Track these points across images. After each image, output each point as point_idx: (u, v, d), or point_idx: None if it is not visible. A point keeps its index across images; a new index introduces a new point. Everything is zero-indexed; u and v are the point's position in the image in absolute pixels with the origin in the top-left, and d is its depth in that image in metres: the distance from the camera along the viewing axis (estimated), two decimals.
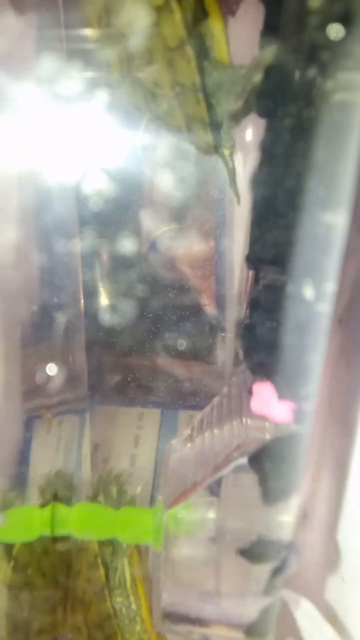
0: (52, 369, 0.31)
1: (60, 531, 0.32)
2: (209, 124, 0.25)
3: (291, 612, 0.27)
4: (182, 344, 0.35)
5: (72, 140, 0.29)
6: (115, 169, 0.31)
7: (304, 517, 0.36)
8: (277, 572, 0.24)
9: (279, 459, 0.22)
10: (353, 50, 0.14)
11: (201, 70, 0.24)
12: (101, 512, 0.32)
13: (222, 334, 0.35)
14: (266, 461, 0.22)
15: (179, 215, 0.33)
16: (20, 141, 0.29)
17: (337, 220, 0.17)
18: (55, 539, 0.32)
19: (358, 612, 0.28)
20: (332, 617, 0.27)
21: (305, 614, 0.27)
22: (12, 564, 0.31)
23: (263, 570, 0.25)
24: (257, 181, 0.20)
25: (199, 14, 0.23)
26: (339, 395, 0.31)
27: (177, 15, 0.22)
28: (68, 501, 0.32)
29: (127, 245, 0.33)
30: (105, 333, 0.35)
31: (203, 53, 0.24)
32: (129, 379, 0.36)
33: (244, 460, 0.26)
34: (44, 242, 0.33)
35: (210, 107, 0.25)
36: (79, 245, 0.33)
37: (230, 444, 0.27)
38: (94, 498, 0.33)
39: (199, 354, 0.35)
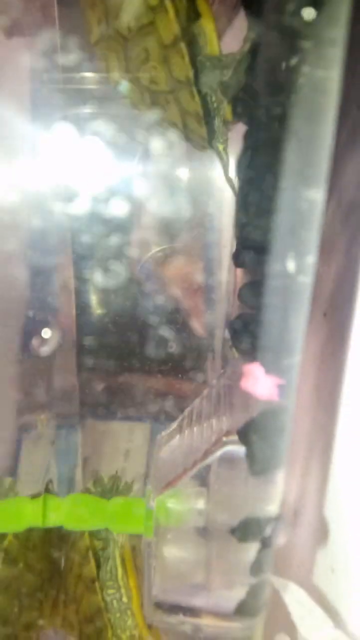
0: (47, 332, 0.32)
1: (51, 523, 0.32)
2: (202, 118, 0.26)
3: (282, 598, 0.28)
4: (172, 362, 0.35)
5: (65, 164, 0.31)
6: (106, 193, 0.32)
7: (294, 515, 0.36)
8: (264, 546, 0.24)
9: (265, 431, 0.22)
10: (325, 29, 0.15)
11: (195, 65, 0.25)
12: (92, 502, 0.32)
13: (211, 352, 0.36)
14: (253, 434, 0.22)
15: (168, 238, 0.35)
16: (16, 165, 0.31)
17: (316, 197, 0.18)
18: (46, 531, 0.32)
19: (349, 599, 0.28)
20: (322, 601, 0.27)
21: (295, 599, 0.27)
22: (2, 556, 0.31)
23: (251, 553, 0.25)
24: (241, 165, 0.21)
25: (192, 14, 0.24)
26: (326, 385, 0.31)
27: (171, 14, 0.23)
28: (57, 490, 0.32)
29: (118, 267, 0.34)
30: (96, 350, 0.36)
31: (196, 49, 0.25)
32: (120, 395, 0.37)
33: (231, 447, 0.27)
34: (37, 262, 0.33)
35: (204, 101, 0.26)
36: (71, 266, 0.34)
37: (219, 431, 0.27)
38: (87, 483, 0.33)
39: (188, 372, 0.36)
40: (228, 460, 0.27)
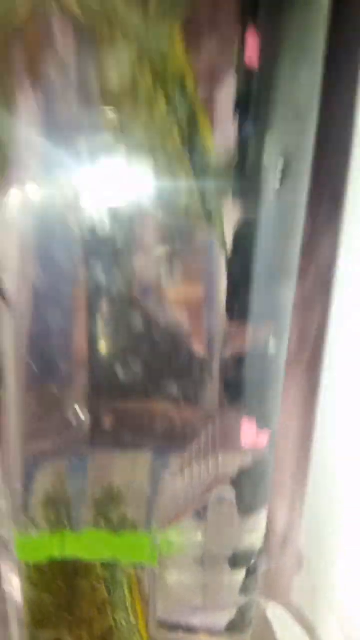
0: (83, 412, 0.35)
1: (68, 554, 0.37)
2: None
3: (267, 616, 0.33)
4: (172, 386, 0.36)
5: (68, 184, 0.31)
6: (108, 216, 0.32)
7: (283, 542, 0.41)
8: (251, 572, 0.30)
9: (254, 479, 0.27)
10: None
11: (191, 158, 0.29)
12: (104, 537, 0.37)
13: (211, 376, 0.35)
14: (244, 482, 0.28)
15: (169, 259, 0.35)
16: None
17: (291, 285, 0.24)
18: (63, 561, 0.37)
19: (325, 618, 0.34)
20: (301, 620, 0.32)
21: (278, 617, 0.32)
22: (27, 583, 0.36)
23: (240, 578, 0.31)
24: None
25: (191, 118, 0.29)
26: (306, 429, 0.37)
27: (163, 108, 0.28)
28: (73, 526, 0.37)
29: (120, 290, 0.34)
30: (98, 377, 0.36)
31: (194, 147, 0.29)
32: (119, 423, 0.38)
33: (225, 489, 0.32)
34: (49, 289, 0.33)
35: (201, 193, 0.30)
36: (81, 292, 0.34)
37: (213, 474, 0.33)
38: (95, 523, 0.37)
39: (189, 397, 0.36)
40: (221, 500, 0.32)
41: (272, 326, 0.28)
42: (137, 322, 0.34)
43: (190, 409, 0.35)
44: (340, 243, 0.34)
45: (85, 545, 0.37)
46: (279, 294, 0.28)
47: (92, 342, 0.35)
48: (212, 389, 0.35)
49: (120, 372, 0.36)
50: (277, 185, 0.23)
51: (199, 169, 0.29)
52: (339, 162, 0.32)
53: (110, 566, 0.37)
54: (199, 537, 0.35)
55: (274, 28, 0.24)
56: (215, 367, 0.35)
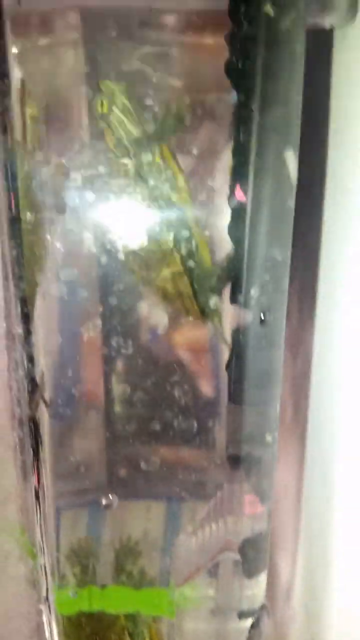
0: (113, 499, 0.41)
1: (95, 607, 0.42)
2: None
3: None
4: (182, 431, 0.37)
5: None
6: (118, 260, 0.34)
7: (287, 594, 0.46)
8: (255, 626, 0.35)
9: (257, 548, 0.33)
10: None
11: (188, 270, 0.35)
12: (126, 592, 0.42)
13: (219, 421, 0.37)
14: (248, 550, 0.33)
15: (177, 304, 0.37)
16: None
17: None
18: (90, 613, 0.42)
19: None
20: None
21: None
22: (62, 633, 0.41)
23: (247, 627, 0.36)
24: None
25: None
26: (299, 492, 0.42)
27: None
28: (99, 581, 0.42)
29: (129, 334, 0.35)
30: (110, 423, 0.38)
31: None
32: (132, 470, 0.39)
33: (231, 553, 0.37)
34: (67, 328, 0.35)
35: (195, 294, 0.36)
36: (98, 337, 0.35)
37: (223, 539, 0.38)
38: (118, 578, 0.42)
39: (198, 441, 0.37)
40: (229, 561, 0.38)
41: (265, 426, 0.34)
42: (149, 368, 0.36)
43: (199, 455, 0.38)
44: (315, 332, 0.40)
45: (109, 600, 0.41)
46: (269, 391, 0.33)
47: (107, 389, 0.37)
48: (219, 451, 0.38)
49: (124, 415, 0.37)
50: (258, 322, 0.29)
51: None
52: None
53: (133, 618, 0.42)
54: (211, 592, 0.40)
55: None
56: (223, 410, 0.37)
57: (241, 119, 0.30)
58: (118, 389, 0.38)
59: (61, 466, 0.38)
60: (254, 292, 0.29)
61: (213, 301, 0.35)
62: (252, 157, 0.30)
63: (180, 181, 0.34)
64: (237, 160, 0.31)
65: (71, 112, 0.34)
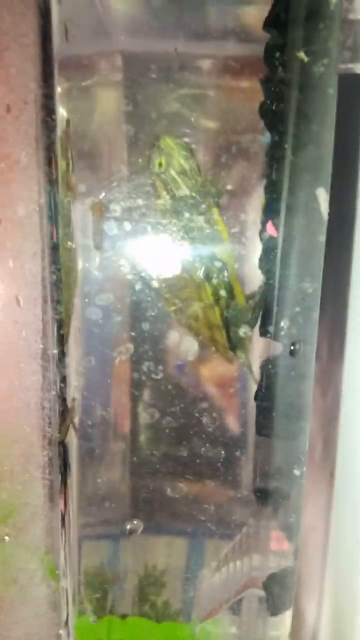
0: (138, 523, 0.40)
1: (114, 638, 0.41)
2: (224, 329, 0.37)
3: None
4: (207, 476, 0.37)
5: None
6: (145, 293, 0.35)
7: (313, 636, 0.45)
8: None
9: (282, 584, 0.32)
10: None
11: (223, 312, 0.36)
12: (147, 625, 0.41)
13: (245, 454, 0.37)
14: (273, 586, 0.33)
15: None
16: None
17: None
18: None
19: None
20: None
21: None
22: None
23: None
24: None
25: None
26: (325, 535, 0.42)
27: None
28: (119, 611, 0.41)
29: (156, 367, 0.36)
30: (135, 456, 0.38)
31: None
32: (156, 505, 0.39)
33: (255, 590, 0.36)
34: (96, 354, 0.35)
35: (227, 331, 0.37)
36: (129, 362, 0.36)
37: (248, 575, 0.37)
38: (142, 607, 0.42)
39: (224, 478, 0.37)
40: (253, 598, 0.37)
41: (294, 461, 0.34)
42: (176, 418, 0.37)
43: (226, 502, 0.38)
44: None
45: (129, 631, 0.41)
46: (298, 423, 0.33)
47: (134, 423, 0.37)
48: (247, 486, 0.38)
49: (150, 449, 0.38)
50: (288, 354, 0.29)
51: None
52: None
53: None
54: (233, 630, 0.39)
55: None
56: (250, 458, 0.37)
57: (274, 158, 0.32)
58: (145, 416, 0.38)
59: (87, 493, 0.39)
60: (284, 323, 0.29)
61: (243, 333, 0.36)
62: (285, 194, 0.31)
63: (224, 233, 0.35)
64: (269, 197, 0.32)
65: (112, 152, 0.36)
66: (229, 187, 0.35)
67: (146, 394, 0.37)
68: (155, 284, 0.35)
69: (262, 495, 0.35)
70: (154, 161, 0.35)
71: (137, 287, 0.35)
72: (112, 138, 0.35)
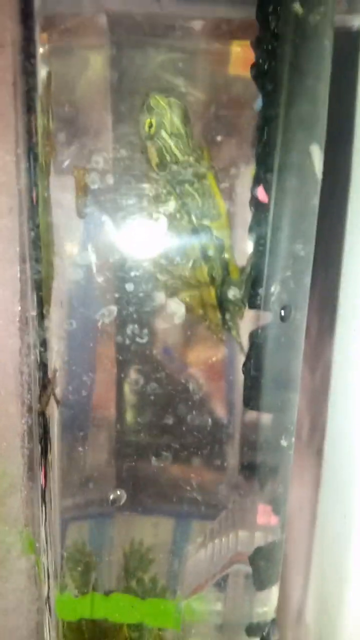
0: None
1: (97, 615, 0.40)
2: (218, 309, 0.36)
3: None
4: (193, 450, 0.37)
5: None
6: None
7: (298, 613, 0.44)
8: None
9: (268, 558, 0.31)
10: None
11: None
12: (132, 601, 0.41)
13: (231, 438, 0.37)
14: (259, 560, 0.32)
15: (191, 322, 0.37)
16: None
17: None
18: (93, 621, 0.40)
19: None
20: None
21: None
22: (62, 638, 0.40)
23: None
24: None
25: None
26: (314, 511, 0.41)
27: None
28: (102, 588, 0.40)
29: (142, 349, 0.35)
30: (119, 439, 0.38)
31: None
32: (143, 486, 0.39)
33: (241, 565, 0.36)
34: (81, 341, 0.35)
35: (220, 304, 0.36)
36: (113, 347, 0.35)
37: (234, 550, 0.37)
38: (127, 584, 0.41)
39: (209, 460, 0.37)
40: (239, 574, 0.36)
41: (281, 431, 0.33)
42: (161, 385, 0.36)
43: (212, 474, 0.38)
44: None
45: (113, 608, 0.40)
46: (286, 394, 0.32)
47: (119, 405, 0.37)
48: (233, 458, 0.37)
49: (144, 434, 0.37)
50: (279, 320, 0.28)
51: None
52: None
53: (137, 627, 0.41)
54: (219, 606, 0.38)
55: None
56: (237, 431, 0.37)
57: (266, 119, 0.30)
58: (130, 384, 0.37)
59: (69, 465, 0.38)
60: (274, 288, 0.28)
61: (235, 309, 0.34)
62: (277, 155, 0.29)
63: (221, 207, 0.34)
64: (260, 161, 0.30)
65: (96, 116, 0.34)
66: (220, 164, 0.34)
67: (131, 359, 0.36)
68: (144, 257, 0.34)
69: (249, 468, 0.34)
70: (143, 122, 0.32)
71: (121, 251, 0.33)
72: (96, 104, 0.34)
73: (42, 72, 0.32)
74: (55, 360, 0.33)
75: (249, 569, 0.35)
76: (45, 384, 0.34)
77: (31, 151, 0.31)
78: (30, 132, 0.31)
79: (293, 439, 0.31)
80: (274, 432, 0.33)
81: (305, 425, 0.43)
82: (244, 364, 0.33)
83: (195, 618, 0.38)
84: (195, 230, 0.33)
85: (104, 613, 0.40)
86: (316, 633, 0.39)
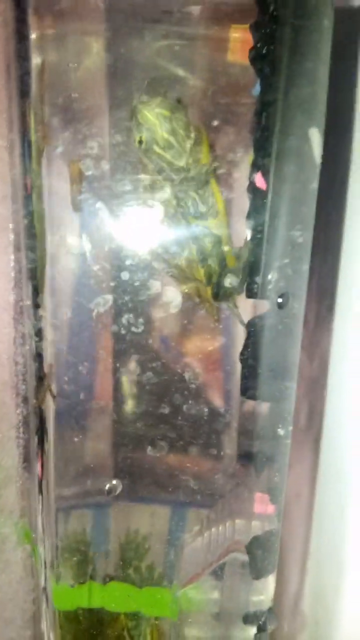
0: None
1: (95, 604, 0.40)
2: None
3: None
4: (189, 439, 0.37)
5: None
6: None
7: (295, 603, 0.44)
8: (261, 629, 0.33)
9: (265, 547, 0.31)
10: None
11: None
12: (129, 590, 0.40)
13: (228, 427, 0.37)
14: (256, 549, 0.32)
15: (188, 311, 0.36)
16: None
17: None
18: (90, 610, 0.40)
19: None
20: None
21: None
22: (58, 628, 0.39)
23: (252, 633, 0.34)
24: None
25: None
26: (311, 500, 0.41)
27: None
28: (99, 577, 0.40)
29: (139, 340, 0.35)
30: (115, 428, 0.37)
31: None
32: (138, 475, 0.39)
33: (238, 554, 0.36)
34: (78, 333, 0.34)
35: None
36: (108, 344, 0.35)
37: (231, 539, 0.36)
38: (124, 572, 0.41)
39: (206, 449, 0.37)
40: (236, 563, 0.36)
41: (278, 419, 0.32)
42: (157, 374, 0.36)
43: (209, 463, 0.38)
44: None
45: (110, 597, 0.40)
46: (284, 382, 0.32)
47: (116, 395, 0.37)
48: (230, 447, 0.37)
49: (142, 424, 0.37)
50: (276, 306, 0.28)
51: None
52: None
53: (134, 617, 0.41)
54: (216, 595, 0.38)
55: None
56: (234, 421, 0.37)
57: (265, 103, 0.29)
58: (125, 374, 0.37)
59: (65, 456, 0.37)
60: (272, 276, 0.28)
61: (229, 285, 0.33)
62: (275, 139, 0.29)
63: (219, 203, 0.33)
64: (258, 146, 0.30)
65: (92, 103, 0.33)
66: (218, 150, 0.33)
67: (127, 349, 0.35)
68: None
69: (246, 456, 0.34)
70: (135, 137, 0.31)
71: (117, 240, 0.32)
72: (92, 93, 0.33)
73: (35, 57, 0.31)
74: (51, 352, 0.33)
75: (245, 557, 0.35)
76: (41, 377, 0.34)
77: (25, 138, 0.30)
78: (24, 118, 0.30)
79: (290, 428, 0.31)
80: (271, 420, 0.32)
81: (303, 414, 0.42)
82: (242, 353, 0.32)
83: (192, 607, 0.38)
84: (191, 230, 0.33)
85: (100, 602, 0.40)
86: (313, 622, 0.39)
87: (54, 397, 0.34)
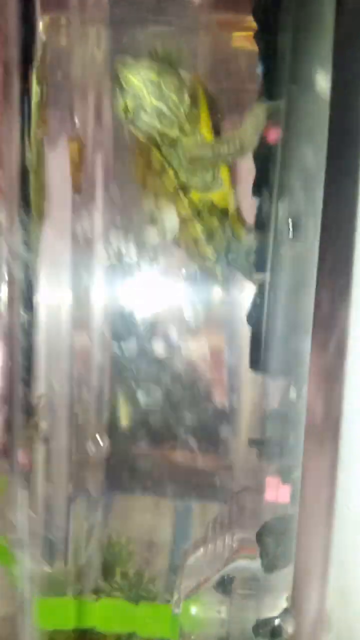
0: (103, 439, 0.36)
1: (85, 624, 0.35)
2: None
3: None
4: (195, 436, 0.35)
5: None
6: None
7: (315, 625, 0.38)
8: (276, 634, 0.27)
9: (277, 533, 0.27)
10: None
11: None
12: (122, 607, 0.35)
13: (231, 426, 0.36)
14: (267, 536, 0.27)
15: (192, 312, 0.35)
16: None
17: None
18: (80, 631, 0.35)
19: None
20: None
21: None
22: None
23: None
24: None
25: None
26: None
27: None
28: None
29: (143, 339, 0.35)
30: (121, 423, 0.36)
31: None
32: (145, 469, 0.37)
33: (245, 561, 0.31)
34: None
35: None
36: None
37: (235, 544, 0.32)
38: (112, 591, 0.36)
39: (211, 446, 0.36)
40: (245, 572, 0.31)
41: (291, 380, 0.29)
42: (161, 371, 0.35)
43: (213, 459, 0.35)
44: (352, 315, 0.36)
45: (102, 615, 0.35)
46: (297, 347, 0.28)
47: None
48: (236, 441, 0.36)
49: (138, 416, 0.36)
50: (289, 238, 0.25)
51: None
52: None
53: (127, 639, 0.35)
54: (224, 613, 0.33)
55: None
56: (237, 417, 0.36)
57: (268, 54, 0.28)
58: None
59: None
60: (283, 202, 0.25)
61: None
62: (285, 77, 0.27)
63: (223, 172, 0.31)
64: (267, 92, 0.28)
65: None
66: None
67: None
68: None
69: (257, 442, 0.30)
70: (119, 105, 0.28)
71: None
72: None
73: (38, 42, 0.30)
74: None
75: (255, 565, 0.30)
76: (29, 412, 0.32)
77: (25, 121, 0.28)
78: (23, 102, 0.28)
79: (304, 391, 0.27)
80: (282, 395, 0.29)
81: (318, 408, 0.38)
82: (249, 315, 0.29)
83: (196, 628, 0.33)
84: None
85: (91, 622, 0.35)
86: (337, 626, 0.33)
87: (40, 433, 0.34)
